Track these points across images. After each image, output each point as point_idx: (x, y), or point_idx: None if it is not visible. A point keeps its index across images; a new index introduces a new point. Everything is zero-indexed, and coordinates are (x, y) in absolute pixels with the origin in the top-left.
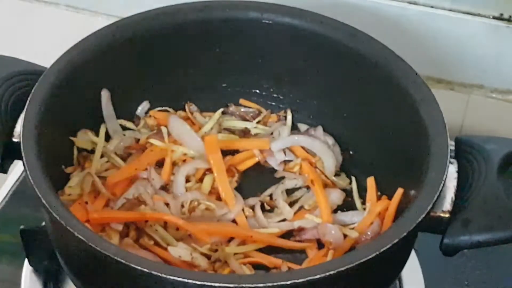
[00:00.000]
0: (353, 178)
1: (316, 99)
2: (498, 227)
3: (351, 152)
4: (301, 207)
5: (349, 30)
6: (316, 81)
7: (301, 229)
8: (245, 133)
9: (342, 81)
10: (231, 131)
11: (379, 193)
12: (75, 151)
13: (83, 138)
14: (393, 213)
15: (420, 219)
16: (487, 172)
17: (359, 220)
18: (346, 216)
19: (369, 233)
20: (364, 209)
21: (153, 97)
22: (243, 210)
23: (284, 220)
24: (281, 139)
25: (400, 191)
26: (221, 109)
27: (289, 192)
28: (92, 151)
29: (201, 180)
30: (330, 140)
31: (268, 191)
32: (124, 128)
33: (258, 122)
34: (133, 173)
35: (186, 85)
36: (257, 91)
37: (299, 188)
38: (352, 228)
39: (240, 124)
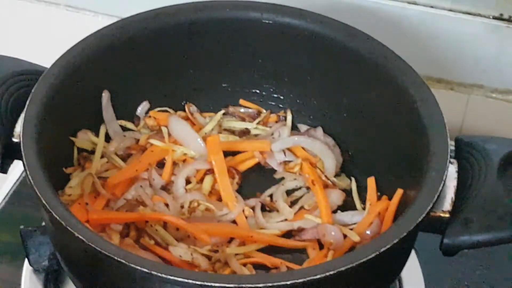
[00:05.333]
0: (353, 179)
1: (316, 99)
2: (498, 227)
3: (350, 153)
4: (301, 207)
5: (349, 30)
6: (316, 81)
7: (301, 230)
8: (245, 134)
9: (342, 81)
10: (231, 131)
11: (378, 194)
12: (75, 152)
13: (83, 139)
14: (393, 213)
15: (420, 219)
16: (487, 172)
17: (359, 220)
18: (346, 216)
19: (368, 233)
20: (364, 209)
21: (153, 97)
22: (243, 210)
23: (284, 220)
24: (281, 139)
25: (400, 191)
26: (222, 110)
27: (289, 192)
28: (92, 152)
29: (201, 180)
30: (330, 141)
31: (268, 192)
32: (124, 128)
33: (258, 123)
34: (134, 174)
35: (186, 85)
36: (257, 91)
37: (299, 188)
38: (352, 229)
39: (240, 125)
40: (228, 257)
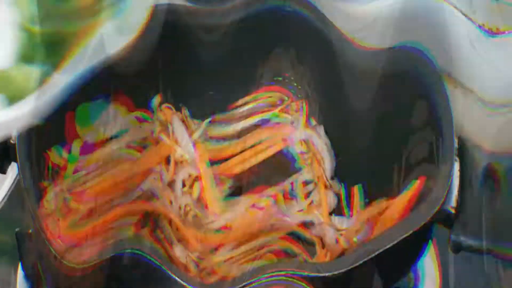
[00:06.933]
0: (342, 185)
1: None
2: (489, 236)
3: (341, 158)
4: (311, 202)
5: None
6: (317, 81)
7: (311, 224)
8: (234, 137)
9: (343, 81)
10: (220, 137)
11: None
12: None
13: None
14: (402, 208)
15: (435, 211)
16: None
17: (348, 226)
18: (337, 221)
19: (356, 240)
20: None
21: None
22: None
23: (301, 211)
24: (299, 130)
25: (416, 182)
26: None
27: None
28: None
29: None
30: (328, 143)
31: (286, 182)
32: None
33: (279, 110)
34: (147, 166)
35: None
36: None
37: (311, 182)
38: (342, 234)
39: (227, 130)
40: (216, 265)
